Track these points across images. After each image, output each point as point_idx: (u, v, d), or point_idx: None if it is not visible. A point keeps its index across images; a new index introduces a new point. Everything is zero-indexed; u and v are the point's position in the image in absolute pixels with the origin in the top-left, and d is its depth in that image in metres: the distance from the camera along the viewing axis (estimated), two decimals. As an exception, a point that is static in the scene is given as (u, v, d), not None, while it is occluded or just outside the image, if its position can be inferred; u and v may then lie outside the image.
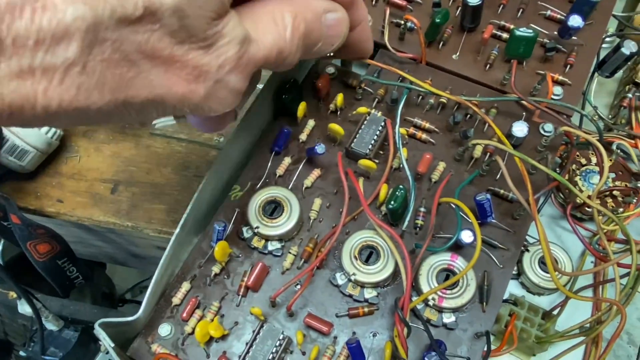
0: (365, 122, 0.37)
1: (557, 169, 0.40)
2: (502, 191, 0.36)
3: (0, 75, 0.16)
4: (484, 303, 0.33)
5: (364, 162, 0.36)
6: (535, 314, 0.36)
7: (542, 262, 0.37)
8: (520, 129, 0.36)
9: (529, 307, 0.36)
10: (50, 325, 0.61)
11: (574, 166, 0.41)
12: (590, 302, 0.37)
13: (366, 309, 0.33)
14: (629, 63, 0.42)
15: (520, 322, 0.35)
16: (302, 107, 0.38)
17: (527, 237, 0.39)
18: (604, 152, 0.34)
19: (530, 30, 0.39)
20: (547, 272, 0.37)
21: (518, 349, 0.37)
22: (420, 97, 0.40)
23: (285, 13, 0.24)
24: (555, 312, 0.36)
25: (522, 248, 0.38)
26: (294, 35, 0.24)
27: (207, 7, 0.20)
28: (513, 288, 0.39)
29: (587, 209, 0.39)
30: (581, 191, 0.40)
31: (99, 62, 0.18)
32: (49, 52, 0.17)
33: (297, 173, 0.37)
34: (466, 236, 0.32)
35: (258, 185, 0.36)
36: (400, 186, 0.33)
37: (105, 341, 0.28)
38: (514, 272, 0.39)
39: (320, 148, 0.35)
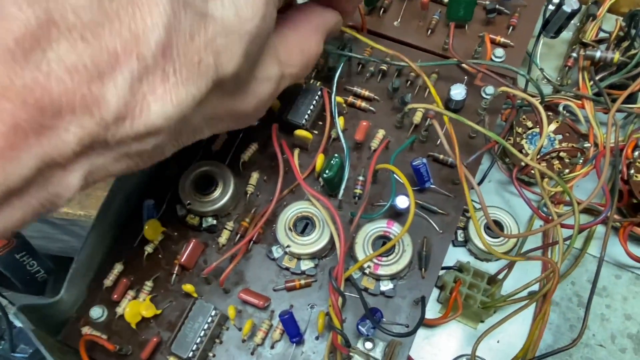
0: (301, 92, 0.36)
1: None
2: (441, 156, 0.35)
3: (106, 162, 0.19)
4: (423, 269, 0.32)
5: (299, 133, 0.35)
6: (480, 279, 0.35)
7: (487, 228, 0.37)
8: (458, 91, 0.35)
9: (474, 273, 0.35)
10: (19, 323, 0.59)
11: (520, 129, 0.40)
12: (532, 261, 0.37)
13: (303, 282, 0.32)
14: (574, 22, 0.41)
15: (465, 288, 0.35)
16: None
17: (474, 204, 0.38)
18: (541, 110, 0.33)
19: (469, -8, 0.38)
20: (493, 238, 0.36)
21: (465, 315, 0.36)
22: (361, 65, 0.39)
23: (312, 41, 0.27)
24: (500, 277, 0.35)
25: (468, 214, 0.38)
26: (315, 59, 0.28)
27: (256, 58, 0.23)
28: (461, 255, 0.38)
29: (532, 171, 0.38)
30: (527, 154, 0.39)
31: (178, 140, 0.22)
32: (142, 143, 0.19)
33: (234, 147, 0.36)
34: (401, 201, 0.32)
35: (194, 162, 0.35)
36: (335, 155, 0.32)
37: (25, 325, 0.27)
38: (460, 239, 0.38)
39: (253, 120, 0.34)
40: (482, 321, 0.36)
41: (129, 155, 0.19)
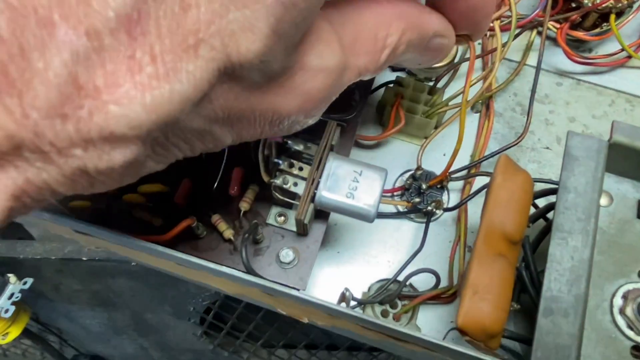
0: None
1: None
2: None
3: (49, 178, 0.14)
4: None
5: None
6: (421, 91, 0.34)
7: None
8: None
9: (414, 86, 0.34)
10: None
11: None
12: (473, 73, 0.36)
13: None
14: None
15: (407, 101, 0.33)
16: None
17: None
18: None
19: None
20: (432, 52, 0.35)
21: (408, 132, 0.34)
22: None
23: (391, 30, 0.19)
24: (440, 85, 0.34)
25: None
26: (389, 58, 0.20)
27: (297, 37, 0.16)
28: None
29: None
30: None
31: (168, 151, 0.16)
32: (100, 157, 0.14)
33: None
34: None
35: None
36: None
37: None
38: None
39: None
40: (426, 137, 0.35)
41: (85, 172, 0.14)
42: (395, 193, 0.32)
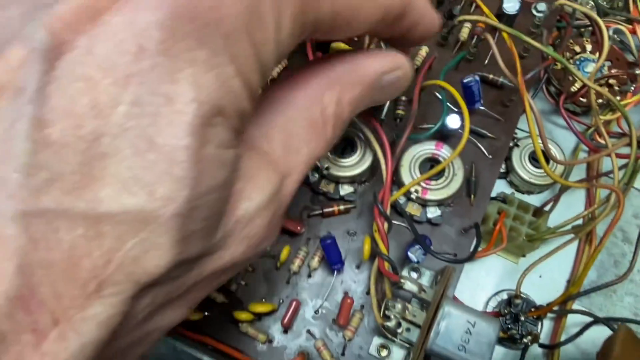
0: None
1: (550, 58, 0.37)
2: (491, 76, 0.32)
3: None
4: (472, 196, 0.30)
5: (337, 45, 0.31)
6: (525, 211, 0.33)
7: (532, 158, 0.34)
8: (511, 5, 0.32)
9: (518, 205, 0.33)
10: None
11: (567, 54, 0.37)
12: (584, 191, 0.35)
13: (342, 207, 0.29)
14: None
15: (510, 220, 0.33)
16: None
17: (517, 131, 0.35)
18: (602, 26, 0.31)
19: None
20: (538, 168, 0.34)
21: (507, 249, 0.34)
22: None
23: (326, 104, 0.17)
24: (547, 209, 0.33)
25: (511, 143, 0.35)
26: (336, 129, 0.18)
27: (211, 222, 0.14)
28: (501, 187, 0.35)
29: (581, 99, 0.36)
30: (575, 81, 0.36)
31: None
32: None
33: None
34: (452, 121, 0.29)
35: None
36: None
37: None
38: (501, 171, 0.35)
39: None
40: (524, 255, 0.34)
41: None
42: (488, 316, 0.32)
